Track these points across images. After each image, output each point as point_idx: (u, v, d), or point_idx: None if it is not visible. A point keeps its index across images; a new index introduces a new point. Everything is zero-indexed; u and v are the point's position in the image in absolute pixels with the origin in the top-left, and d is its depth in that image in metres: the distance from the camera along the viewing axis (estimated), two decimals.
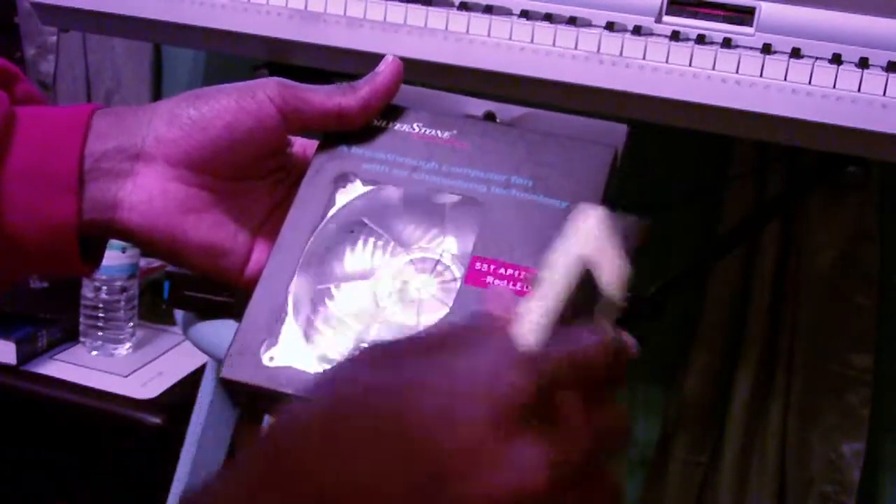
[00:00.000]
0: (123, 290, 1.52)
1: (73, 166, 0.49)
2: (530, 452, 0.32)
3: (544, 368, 0.33)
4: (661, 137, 1.43)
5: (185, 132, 0.50)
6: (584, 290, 0.39)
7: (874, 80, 1.02)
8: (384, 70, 0.53)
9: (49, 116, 0.51)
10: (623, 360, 0.37)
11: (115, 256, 1.45)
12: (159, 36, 1.35)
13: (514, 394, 0.32)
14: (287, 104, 0.51)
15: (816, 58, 1.05)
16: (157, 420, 1.41)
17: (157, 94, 1.81)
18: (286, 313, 0.47)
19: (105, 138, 0.51)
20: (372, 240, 0.48)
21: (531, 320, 0.35)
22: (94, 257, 0.53)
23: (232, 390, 0.47)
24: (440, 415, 0.32)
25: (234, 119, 0.51)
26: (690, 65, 1.07)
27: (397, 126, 0.52)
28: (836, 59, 1.04)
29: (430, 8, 1.14)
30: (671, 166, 1.63)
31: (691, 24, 1.11)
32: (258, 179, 0.54)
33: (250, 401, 0.47)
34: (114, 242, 0.55)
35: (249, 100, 0.51)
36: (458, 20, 1.12)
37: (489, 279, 0.43)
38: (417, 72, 1.20)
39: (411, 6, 1.14)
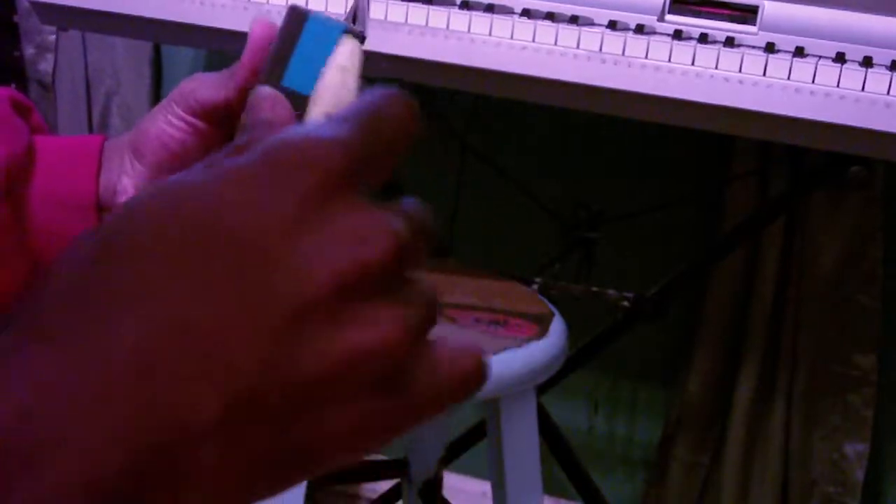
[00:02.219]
0: None
1: (92, 189, 0.54)
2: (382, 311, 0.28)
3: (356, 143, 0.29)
4: (663, 136, 1.43)
5: (145, 170, 0.55)
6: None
7: (878, 79, 1.02)
8: (248, 41, 0.56)
9: (65, 145, 0.56)
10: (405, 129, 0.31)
11: None
12: (159, 35, 1.35)
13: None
14: (189, 110, 0.55)
15: (820, 57, 1.05)
16: None
17: (156, 94, 1.81)
18: None
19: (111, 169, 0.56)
20: None
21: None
22: None
23: None
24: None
25: (167, 139, 0.54)
26: (693, 64, 1.07)
27: None
28: (840, 58, 1.04)
29: (431, 7, 1.13)
30: (673, 166, 1.63)
31: (694, 23, 1.11)
32: None
33: None
34: None
35: (164, 117, 0.55)
36: (459, 19, 1.12)
37: None
38: (419, 71, 1.20)
39: (413, 5, 1.14)
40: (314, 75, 0.46)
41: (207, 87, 0.54)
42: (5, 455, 0.25)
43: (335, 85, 0.44)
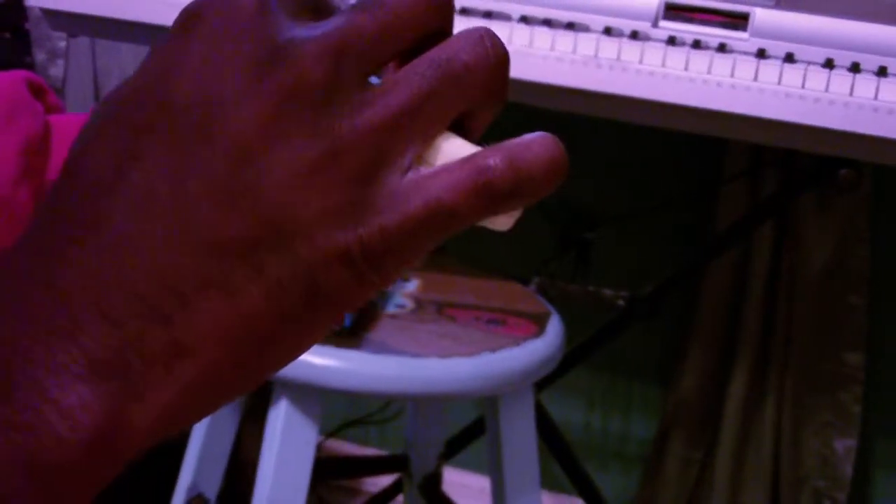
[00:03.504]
0: None
1: None
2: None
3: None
4: (657, 140, 1.45)
5: None
6: None
7: (866, 84, 1.03)
8: None
9: (81, 122, 0.54)
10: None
11: None
12: None
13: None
14: None
15: (809, 62, 1.06)
16: None
17: None
18: None
19: None
20: None
21: None
22: None
23: None
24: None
25: None
26: (686, 69, 1.08)
27: None
28: (829, 64, 1.06)
29: None
30: (667, 168, 1.65)
31: (687, 30, 1.12)
32: None
33: None
34: None
35: None
36: (457, 25, 1.13)
37: None
38: None
39: None
40: None
41: None
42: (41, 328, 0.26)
43: None
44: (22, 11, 1.71)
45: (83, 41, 1.75)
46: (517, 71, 1.13)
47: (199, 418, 0.28)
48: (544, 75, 1.11)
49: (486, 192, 0.28)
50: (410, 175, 0.28)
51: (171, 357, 0.26)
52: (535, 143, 0.29)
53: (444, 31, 0.30)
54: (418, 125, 0.28)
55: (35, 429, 0.25)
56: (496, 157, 0.28)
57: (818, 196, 1.50)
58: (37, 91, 0.57)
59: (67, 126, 0.55)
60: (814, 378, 1.56)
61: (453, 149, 0.29)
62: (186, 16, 0.28)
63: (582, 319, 1.33)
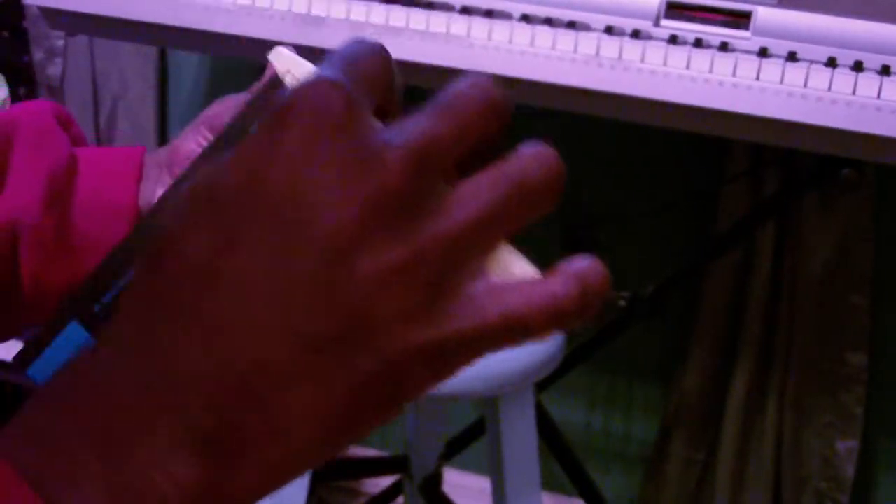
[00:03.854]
0: None
1: (133, 198, 0.55)
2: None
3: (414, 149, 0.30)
4: (659, 139, 1.45)
5: None
6: None
7: (868, 83, 1.03)
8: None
9: (107, 155, 0.57)
10: (500, 110, 0.33)
11: None
12: (165, 40, 1.36)
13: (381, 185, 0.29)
14: (214, 132, 0.55)
15: (812, 61, 1.06)
16: None
17: (162, 98, 1.82)
18: None
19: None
20: None
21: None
22: None
23: None
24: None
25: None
26: (688, 68, 1.08)
27: None
28: (831, 63, 1.06)
29: (431, 12, 1.15)
30: (669, 168, 1.64)
31: (689, 28, 1.12)
32: None
33: None
34: None
35: (195, 137, 0.55)
36: (459, 24, 1.14)
37: None
38: (419, 75, 1.21)
39: (413, 10, 1.15)
40: None
41: (231, 110, 0.55)
42: (125, 414, 0.29)
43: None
44: (20, 10, 1.71)
45: (81, 40, 1.74)
46: (518, 70, 1.13)
47: (283, 486, 0.31)
48: (545, 74, 1.11)
49: (558, 315, 0.31)
50: (481, 283, 0.30)
51: (266, 438, 0.29)
52: (593, 272, 0.33)
53: (501, 132, 0.33)
54: (490, 236, 0.31)
55: (148, 493, 0.28)
56: (570, 285, 0.31)
57: (820, 196, 1.50)
58: (63, 122, 0.58)
59: (93, 158, 0.56)
60: (816, 378, 1.56)
61: (508, 258, 0.32)
62: (279, 109, 0.30)
63: None
